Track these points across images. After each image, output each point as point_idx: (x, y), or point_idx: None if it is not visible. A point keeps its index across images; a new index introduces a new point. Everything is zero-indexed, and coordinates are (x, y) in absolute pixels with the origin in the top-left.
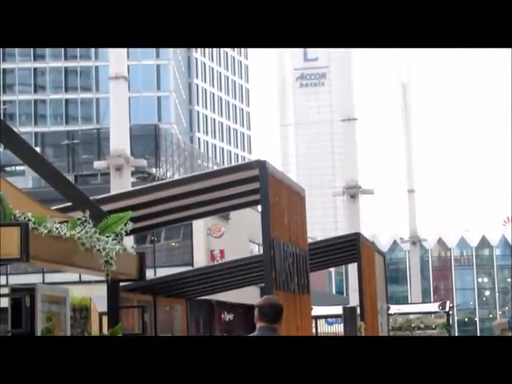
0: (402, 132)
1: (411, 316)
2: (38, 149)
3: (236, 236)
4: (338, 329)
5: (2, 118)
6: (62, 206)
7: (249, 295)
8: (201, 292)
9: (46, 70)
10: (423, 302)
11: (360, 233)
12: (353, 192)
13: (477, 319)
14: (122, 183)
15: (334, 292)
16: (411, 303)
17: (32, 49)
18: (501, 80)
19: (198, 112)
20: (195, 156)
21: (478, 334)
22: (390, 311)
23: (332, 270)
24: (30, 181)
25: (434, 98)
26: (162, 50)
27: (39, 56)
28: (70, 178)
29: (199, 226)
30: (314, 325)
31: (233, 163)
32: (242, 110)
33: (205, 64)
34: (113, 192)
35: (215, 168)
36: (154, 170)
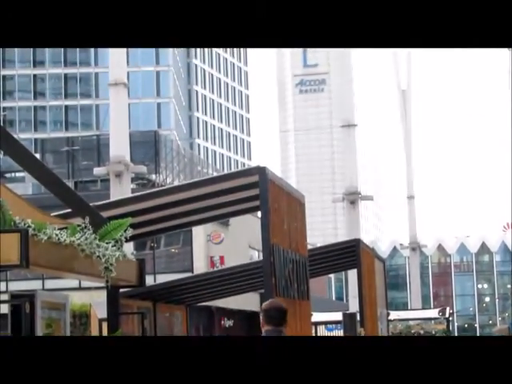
0: (402, 138)
1: (411, 322)
2: (37, 155)
3: (236, 242)
4: (338, 335)
5: (1, 124)
6: (61, 212)
7: (249, 301)
8: (201, 298)
9: (45, 77)
10: (423, 308)
11: (360, 239)
12: (352, 198)
13: (477, 325)
14: (121, 189)
15: (333, 298)
16: (411, 309)
17: (32, 55)
18: (500, 86)
19: (197, 118)
20: (195, 162)
21: None
22: (390, 317)
23: (332, 276)
24: (29, 187)
25: (434, 105)
26: (162, 57)
27: (39, 62)
28: (70, 184)
29: (199, 232)
30: (313, 331)
31: (232, 169)
32: (242, 116)
33: (204, 70)
34: (113, 198)
35: (215, 174)
36: (153, 177)
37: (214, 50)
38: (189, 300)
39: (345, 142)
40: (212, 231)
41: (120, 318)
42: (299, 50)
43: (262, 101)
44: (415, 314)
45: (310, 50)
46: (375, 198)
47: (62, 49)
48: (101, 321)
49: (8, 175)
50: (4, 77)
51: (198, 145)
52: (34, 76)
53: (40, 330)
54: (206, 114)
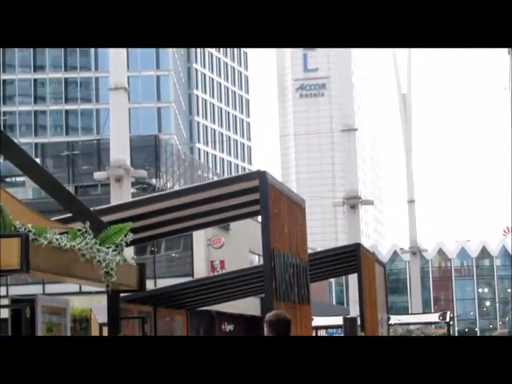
0: (402, 142)
1: (412, 326)
2: (38, 160)
3: (236, 247)
4: None
5: (2, 128)
6: (62, 216)
7: (249, 306)
8: (201, 303)
9: (46, 81)
10: (424, 312)
11: (360, 243)
12: (353, 202)
13: (477, 330)
14: (122, 194)
15: (334, 302)
16: (412, 314)
17: (32, 60)
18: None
19: (198, 123)
20: (195, 167)
21: None
22: (391, 322)
23: (332, 280)
24: (30, 192)
25: (434, 109)
26: (162, 61)
27: (39, 67)
28: (70, 188)
29: (199, 236)
30: (314, 335)
31: (233, 174)
32: (242, 120)
33: (205, 75)
34: (113, 203)
35: (215, 179)
36: (154, 181)
37: (215, 54)
38: (189, 304)
39: (345, 146)
40: (212, 235)
41: (120, 322)
42: (299, 55)
43: (263, 105)
44: (416, 319)
45: (310, 55)
46: (375, 203)
47: (63, 53)
48: (101, 325)
49: (8, 180)
50: (4, 81)
51: (199, 149)
52: (35, 80)
53: (40, 335)
54: (206, 118)
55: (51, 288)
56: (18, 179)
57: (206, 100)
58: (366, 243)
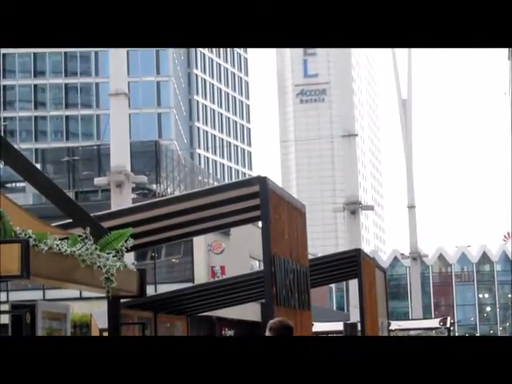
0: (402, 148)
1: (412, 332)
2: (38, 165)
3: (237, 252)
4: None
5: (2, 134)
6: (62, 222)
7: (250, 311)
8: (201, 308)
9: (46, 87)
10: (424, 317)
11: (361, 249)
12: (353, 208)
13: (478, 335)
14: (122, 200)
15: (334, 308)
16: (412, 319)
17: (32, 65)
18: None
19: (198, 128)
20: (196, 172)
21: None
22: (391, 327)
23: (332, 285)
24: (30, 197)
25: (435, 114)
26: (163, 67)
27: (39, 72)
28: (71, 194)
29: (200, 242)
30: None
31: (233, 179)
32: (243, 126)
33: (205, 80)
34: (113, 208)
35: (216, 184)
36: (154, 187)
37: (215, 60)
38: (189, 310)
39: (345, 151)
40: (213, 241)
41: (121, 328)
42: (300, 60)
43: (263, 111)
44: (416, 324)
45: (310, 60)
46: (376, 208)
47: (63, 59)
48: (101, 331)
49: (8, 185)
50: (5, 87)
51: (199, 155)
52: (35, 86)
53: None
54: (206, 123)
55: (51, 293)
56: (18, 185)
57: (206, 106)
58: (367, 249)
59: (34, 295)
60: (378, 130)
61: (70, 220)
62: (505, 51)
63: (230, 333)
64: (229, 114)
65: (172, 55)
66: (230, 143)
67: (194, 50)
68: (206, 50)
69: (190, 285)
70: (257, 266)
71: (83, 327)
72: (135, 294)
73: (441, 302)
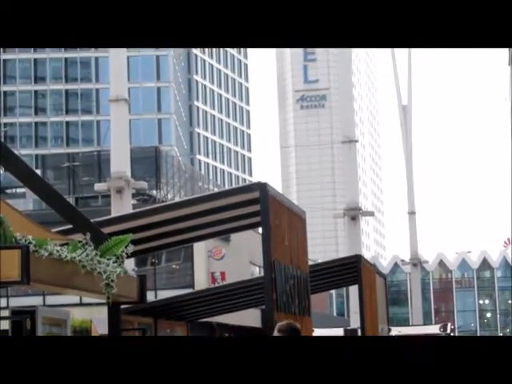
0: (403, 154)
1: None
2: (38, 171)
3: (237, 258)
4: None
5: (2, 140)
6: (62, 228)
7: (250, 317)
8: (202, 314)
9: (46, 93)
10: (424, 323)
11: (361, 255)
12: (353, 214)
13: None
14: (122, 205)
15: (334, 314)
16: (412, 325)
17: (32, 71)
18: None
19: (198, 134)
20: (196, 178)
21: None
22: (391, 333)
23: (333, 291)
24: (30, 203)
25: (435, 120)
26: (163, 73)
27: (40, 78)
28: (71, 200)
29: (200, 248)
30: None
31: (233, 185)
32: (243, 131)
33: (205, 86)
34: (113, 214)
35: (216, 190)
36: (154, 192)
37: (215, 65)
38: (190, 316)
39: (345, 157)
40: (213, 247)
41: (121, 334)
42: (300, 66)
43: (263, 116)
44: (416, 330)
45: (310, 66)
46: (376, 214)
47: (63, 65)
48: None
49: (9, 191)
50: (5, 93)
51: (199, 160)
52: (35, 92)
53: None
54: (206, 129)
55: (51, 299)
56: (18, 191)
57: (206, 111)
58: (367, 255)
59: (34, 301)
60: (379, 136)
61: (71, 226)
62: (505, 57)
63: None
64: (229, 120)
65: (172, 61)
66: (230, 149)
67: (194, 55)
68: (206, 56)
69: (190, 291)
70: (257, 271)
71: (83, 333)
72: (135, 300)
73: (441, 308)
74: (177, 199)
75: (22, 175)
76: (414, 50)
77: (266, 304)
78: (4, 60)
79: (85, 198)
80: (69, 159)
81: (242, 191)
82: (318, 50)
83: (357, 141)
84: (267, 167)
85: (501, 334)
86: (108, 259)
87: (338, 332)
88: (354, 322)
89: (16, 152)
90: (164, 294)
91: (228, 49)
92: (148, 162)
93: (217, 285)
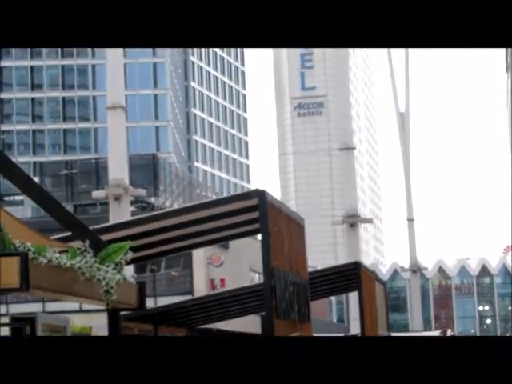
0: (401, 160)
1: None
2: (36, 179)
3: (236, 265)
4: None
5: (0, 147)
6: (61, 235)
7: (249, 324)
8: (201, 321)
9: (43, 100)
10: (424, 330)
11: (360, 262)
12: (352, 221)
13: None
14: (121, 213)
15: (334, 320)
16: (412, 331)
17: (29, 79)
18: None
19: (196, 141)
20: (194, 185)
21: None
22: None
23: (333, 298)
24: (29, 210)
25: (433, 127)
26: (160, 80)
27: (37, 86)
28: (69, 207)
29: (199, 255)
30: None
31: (231, 192)
32: (241, 139)
33: (202, 93)
34: (112, 221)
35: (214, 197)
36: (152, 200)
37: (212, 72)
38: (190, 323)
39: (343, 165)
40: (212, 254)
41: None
42: (297, 73)
43: (261, 124)
44: None
45: (308, 73)
46: (375, 221)
47: (60, 72)
48: None
49: (7, 198)
50: (2, 100)
51: (197, 168)
52: (32, 99)
53: None
54: (204, 137)
55: (51, 306)
56: (16, 198)
57: (203, 119)
58: (366, 262)
59: (34, 308)
60: (376, 143)
61: (69, 233)
62: (502, 63)
63: None
64: (226, 127)
65: (169, 68)
66: (227, 156)
67: (191, 62)
68: (203, 63)
69: (189, 297)
70: (256, 278)
71: None
72: (135, 307)
73: (441, 315)
74: (175, 206)
75: (19, 182)
76: (412, 57)
77: (265, 311)
78: (1, 67)
79: (83, 205)
80: (67, 167)
81: (241, 198)
82: (315, 58)
83: (354, 148)
84: (265, 174)
85: None
86: (107, 266)
87: None
88: (354, 329)
89: (13, 159)
90: (163, 301)
91: (225, 56)
92: (146, 169)
93: (216, 291)
